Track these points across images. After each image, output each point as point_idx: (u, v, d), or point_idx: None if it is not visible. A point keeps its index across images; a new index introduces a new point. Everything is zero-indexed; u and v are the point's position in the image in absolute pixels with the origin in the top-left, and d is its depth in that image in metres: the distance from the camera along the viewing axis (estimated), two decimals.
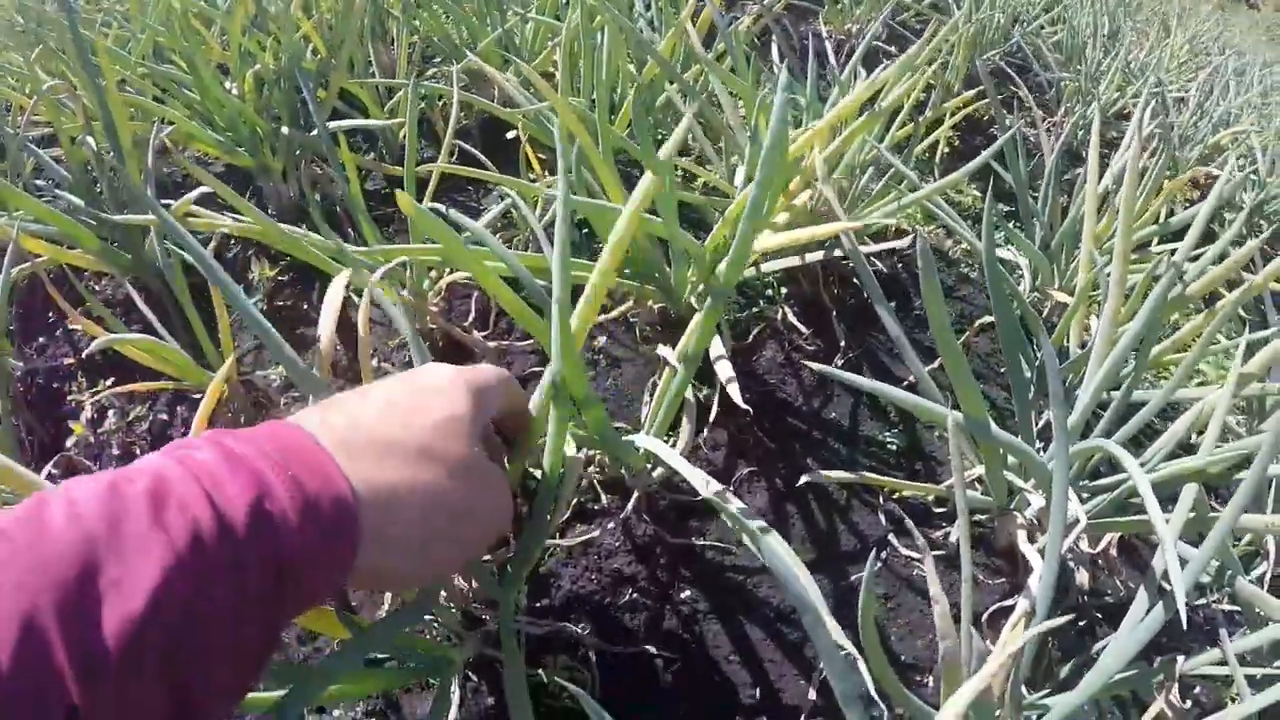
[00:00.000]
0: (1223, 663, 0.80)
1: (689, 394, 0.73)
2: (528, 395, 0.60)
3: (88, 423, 1.05)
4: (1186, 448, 0.95)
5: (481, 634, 0.68)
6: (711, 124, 1.06)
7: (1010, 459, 0.84)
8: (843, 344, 0.99)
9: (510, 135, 1.08)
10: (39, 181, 1.28)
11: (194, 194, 0.91)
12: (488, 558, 0.72)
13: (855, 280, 1.06)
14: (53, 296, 1.01)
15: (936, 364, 0.96)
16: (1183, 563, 0.61)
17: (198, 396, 0.99)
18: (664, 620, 0.74)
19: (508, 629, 0.64)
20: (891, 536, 0.84)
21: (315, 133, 1.10)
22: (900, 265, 1.15)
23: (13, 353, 1.19)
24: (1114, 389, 0.93)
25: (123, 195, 1.14)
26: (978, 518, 0.88)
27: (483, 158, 1.01)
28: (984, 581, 0.85)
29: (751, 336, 0.95)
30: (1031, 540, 0.79)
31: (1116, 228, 1.08)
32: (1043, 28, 1.88)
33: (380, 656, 0.75)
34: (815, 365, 0.67)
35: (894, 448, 0.92)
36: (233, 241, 1.14)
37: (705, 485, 0.61)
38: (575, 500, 0.78)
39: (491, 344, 0.91)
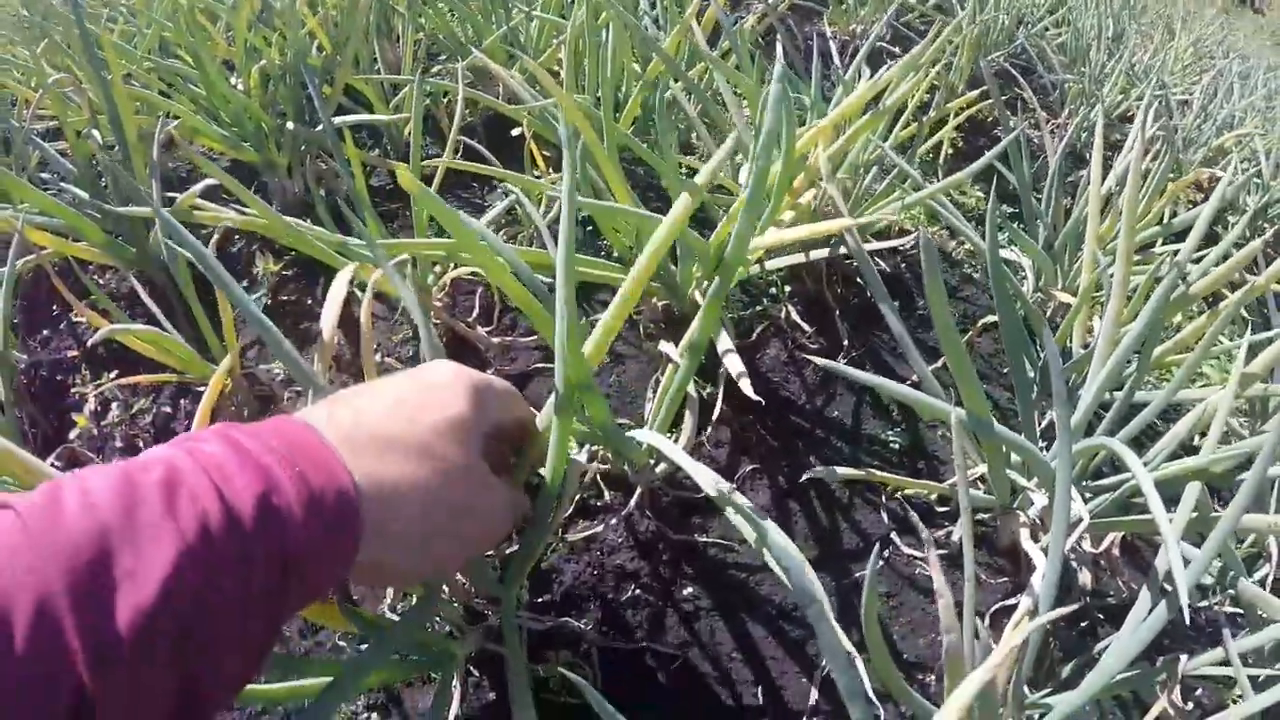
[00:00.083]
0: (1225, 663, 0.80)
1: (692, 390, 0.73)
2: (531, 409, 0.60)
3: (91, 415, 1.05)
4: (1188, 449, 0.95)
5: (483, 629, 0.68)
6: (716, 123, 1.06)
7: (1013, 458, 0.84)
8: (846, 343, 0.99)
9: (515, 133, 1.08)
10: (44, 174, 1.28)
11: (199, 187, 0.91)
12: (490, 554, 0.73)
13: (859, 280, 1.06)
14: (57, 289, 1.01)
15: (939, 364, 0.96)
16: (1185, 562, 0.61)
17: (201, 389, 0.98)
18: (666, 617, 0.74)
19: (510, 624, 0.64)
20: (894, 535, 0.84)
21: (320, 128, 1.10)
22: (904, 265, 1.15)
23: (17, 345, 1.19)
24: (1116, 389, 0.93)
25: (127, 189, 1.14)
26: (980, 516, 0.88)
27: (488, 154, 1.01)
28: (986, 581, 0.85)
29: (755, 334, 0.95)
30: (1034, 539, 0.79)
31: (1120, 228, 1.08)
32: (1047, 29, 1.88)
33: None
34: (821, 360, 0.67)
35: (896, 446, 0.92)
36: (237, 236, 1.14)
37: (711, 482, 0.61)
38: (578, 496, 0.78)
39: (495, 340, 0.91)
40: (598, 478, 0.78)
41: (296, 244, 0.79)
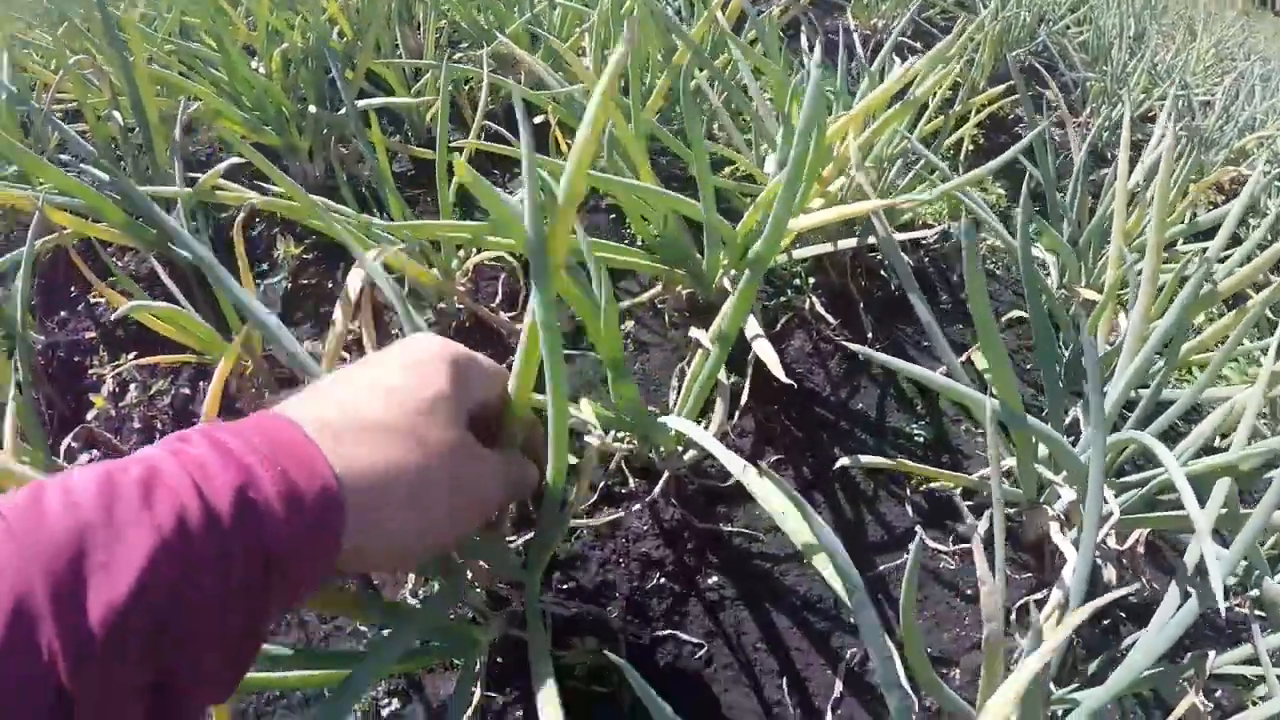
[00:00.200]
0: (1246, 663, 0.80)
1: (721, 376, 0.73)
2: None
3: (109, 396, 1.05)
4: (1209, 450, 0.94)
5: (507, 614, 0.67)
6: (740, 111, 1.06)
7: (1039, 452, 0.83)
8: (870, 335, 0.98)
9: (538, 120, 1.07)
10: (63, 156, 1.27)
11: (223, 165, 0.91)
12: (512, 539, 0.72)
13: (882, 273, 1.06)
14: (75, 270, 1.01)
15: (963, 358, 0.95)
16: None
17: None
18: (690, 606, 0.73)
19: (533, 609, 0.63)
20: (918, 528, 0.84)
21: (342, 112, 1.09)
22: (926, 260, 1.15)
23: (34, 326, 1.19)
24: (1141, 387, 0.93)
25: (148, 171, 1.14)
26: (1006, 511, 0.87)
27: (512, 138, 1.01)
28: (1011, 576, 0.84)
29: (779, 325, 0.95)
30: (1062, 533, 0.79)
31: (1148, 223, 1.07)
32: (1068, 28, 1.87)
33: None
34: (855, 347, 0.66)
35: (921, 440, 0.91)
36: (257, 220, 1.13)
37: (740, 468, 0.61)
38: (603, 484, 0.77)
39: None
40: (622, 464, 0.77)
41: (321, 226, 0.78)
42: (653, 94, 1.03)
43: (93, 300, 1.19)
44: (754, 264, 0.61)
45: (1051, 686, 0.73)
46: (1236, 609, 0.95)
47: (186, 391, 1.01)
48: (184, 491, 0.36)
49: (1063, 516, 0.83)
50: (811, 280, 0.99)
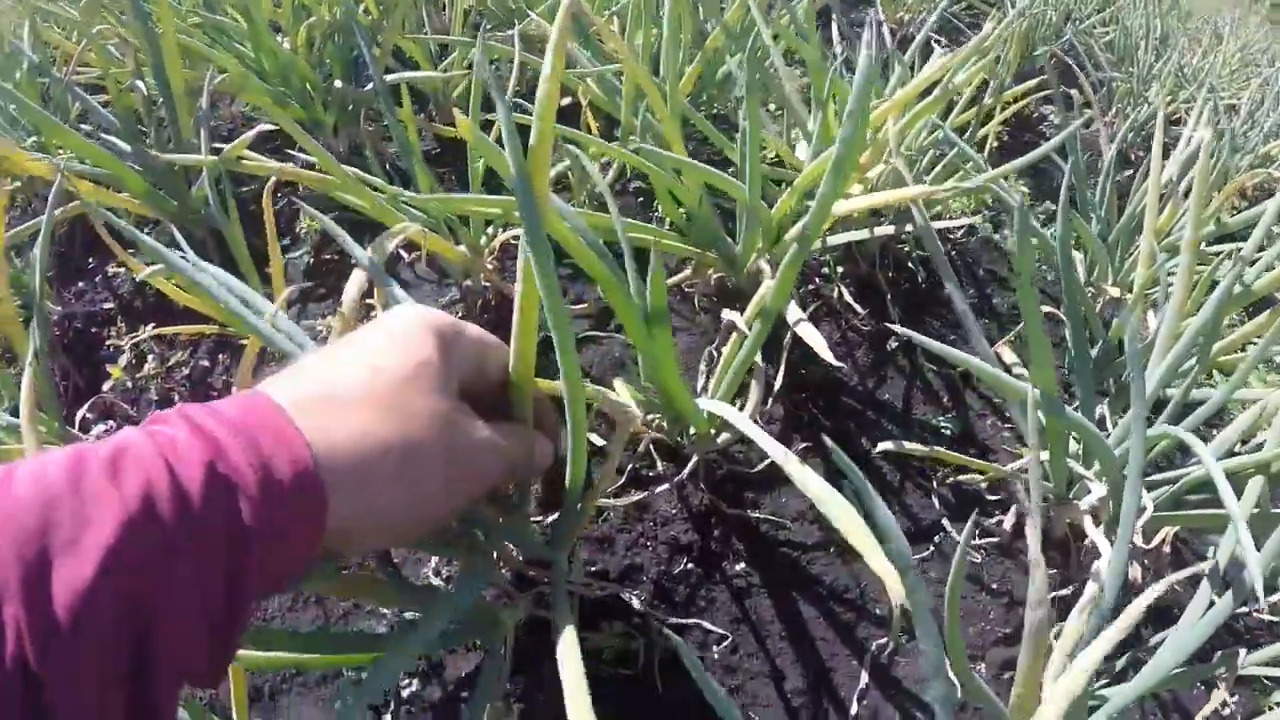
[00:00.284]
0: (1270, 664, 0.79)
1: (758, 358, 0.72)
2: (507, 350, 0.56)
3: (126, 368, 1.04)
4: (1235, 453, 0.93)
5: (533, 595, 0.66)
6: (769, 97, 1.05)
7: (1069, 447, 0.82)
8: (897, 326, 0.97)
9: (565, 101, 1.06)
10: (84, 126, 1.26)
11: (251, 134, 0.89)
12: (537, 518, 0.71)
13: (910, 265, 1.05)
14: (93, 239, 1.00)
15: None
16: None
17: (242, 343, 0.97)
18: (718, 592, 0.72)
19: (560, 590, 0.62)
20: (945, 521, 0.83)
21: (369, 88, 1.08)
22: (954, 253, 1.14)
23: (51, 297, 1.18)
24: (1170, 385, 0.92)
25: (170, 143, 1.13)
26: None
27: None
28: None
29: (807, 313, 0.93)
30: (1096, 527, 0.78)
31: (1184, 219, 1.06)
32: (1094, 27, 1.86)
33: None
34: (902, 330, 0.65)
35: (947, 433, 0.91)
36: (278, 194, 1.12)
37: (781, 454, 0.60)
38: (630, 466, 0.77)
39: None
40: (650, 447, 0.76)
41: (347, 200, 0.77)
42: (684, 78, 1.02)
43: (110, 272, 1.18)
44: (800, 241, 0.60)
45: None
46: (1256, 613, 0.95)
47: (205, 364, 1.00)
48: (153, 468, 0.35)
49: (1092, 512, 0.82)
50: (840, 269, 0.98)
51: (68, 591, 0.31)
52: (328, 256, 1.02)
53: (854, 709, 0.69)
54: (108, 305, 1.13)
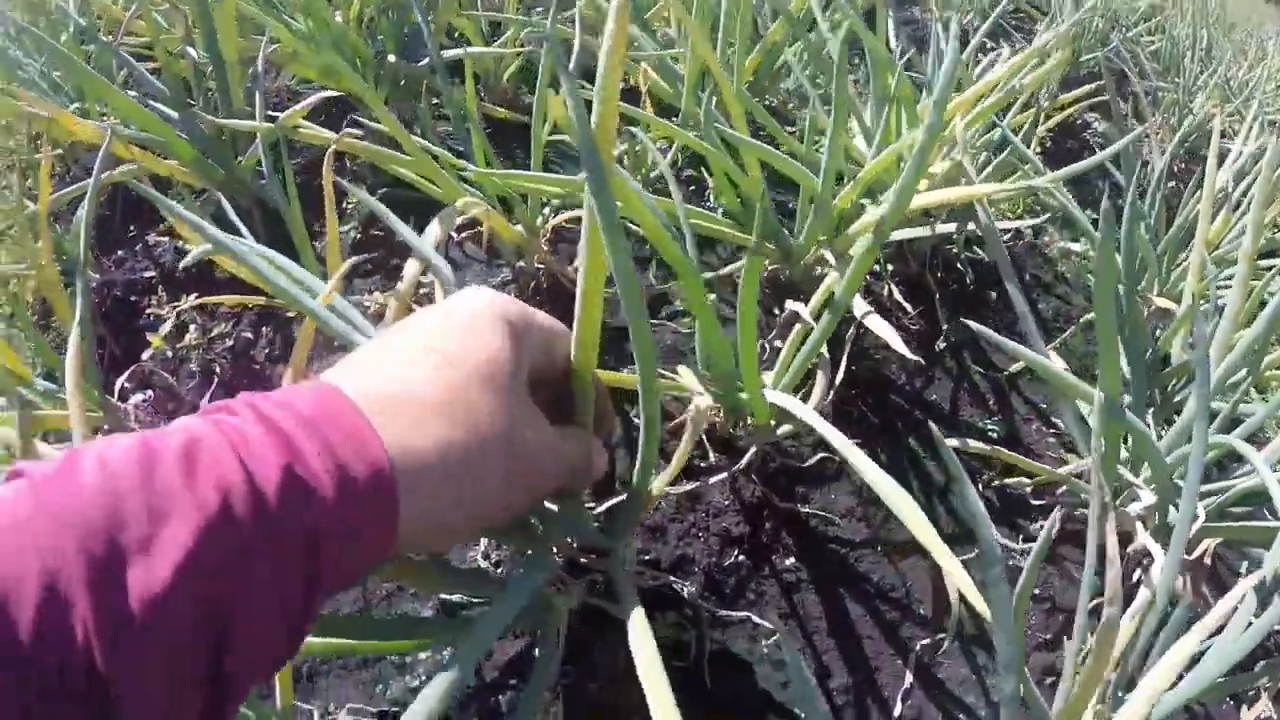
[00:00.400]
0: None
1: (824, 350, 0.71)
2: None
3: (166, 338, 1.03)
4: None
5: (587, 582, 0.66)
6: (822, 89, 1.04)
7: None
8: (944, 327, 0.97)
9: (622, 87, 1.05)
10: (130, 93, 1.26)
11: (310, 100, 0.89)
12: (591, 505, 0.71)
13: (959, 266, 1.04)
14: (134, 206, 0.99)
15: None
16: None
17: (289, 316, 0.97)
18: (767, 586, 0.72)
19: (621, 576, 0.62)
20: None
21: (423, 63, 1.08)
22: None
23: (91, 264, 1.18)
24: (1214, 399, 0.91)
25: (218, 112, 1.13)
26: (1078, 512, 0.86)
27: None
28: (1078, 578, 0.83)
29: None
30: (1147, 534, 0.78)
31: (1235, 231, 1.05)
32: (1140, 36, 1.84)
33: (476, 601, 0.73)
34: (975, 325, 0.64)
35: (994, 436, 0.90)
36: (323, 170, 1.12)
37: (846, 445, 0.60)
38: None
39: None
40: (703, 437, 0.76)
41: (422, 171, 0.76)
42: (739, 69, 1.01)
43: (152, 240, 1.18)
44: (878, 228, 0.59)
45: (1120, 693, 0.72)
46: None
47: (249, 335, 1.00)
48: (227, 465, 0.34)
49: (1140, 520, 0.81)
50: (889, 267, 0.98)
51: (142, 592, 0.30)
52: (376, 232, 1.01)
53: (898, 709, 0.69)
54: (149, 274, 1.13)
